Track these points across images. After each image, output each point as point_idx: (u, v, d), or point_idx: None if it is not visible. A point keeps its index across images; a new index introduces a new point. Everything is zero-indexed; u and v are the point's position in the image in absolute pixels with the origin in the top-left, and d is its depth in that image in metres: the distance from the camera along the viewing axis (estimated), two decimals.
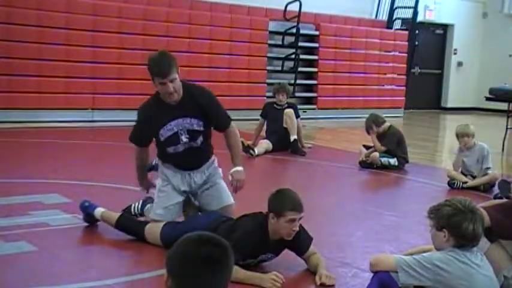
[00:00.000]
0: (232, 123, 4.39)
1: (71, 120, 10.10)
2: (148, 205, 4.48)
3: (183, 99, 4.17)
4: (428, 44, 17.03)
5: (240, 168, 4.34)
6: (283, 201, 3.65)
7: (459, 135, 6.66)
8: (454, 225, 2.92)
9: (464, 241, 2.92)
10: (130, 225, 4.30)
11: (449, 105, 17.62)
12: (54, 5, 10.26)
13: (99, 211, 4.44)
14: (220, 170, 4.46)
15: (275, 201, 3.68)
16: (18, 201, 5.11)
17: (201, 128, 4.22)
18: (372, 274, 3.17)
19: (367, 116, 7.99)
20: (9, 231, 4.32)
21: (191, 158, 4.26)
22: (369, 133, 7.75)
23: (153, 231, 4.14)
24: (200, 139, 4.24)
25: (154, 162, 4.66)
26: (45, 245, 4.09)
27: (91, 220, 4.50)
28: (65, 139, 8.62)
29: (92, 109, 10.52)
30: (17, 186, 5.62)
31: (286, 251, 3.85)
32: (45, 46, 10.10)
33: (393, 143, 7.63)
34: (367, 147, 7.86)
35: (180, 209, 4.33)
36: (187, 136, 4.18)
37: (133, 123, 4.33)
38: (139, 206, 4.55)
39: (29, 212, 4.78)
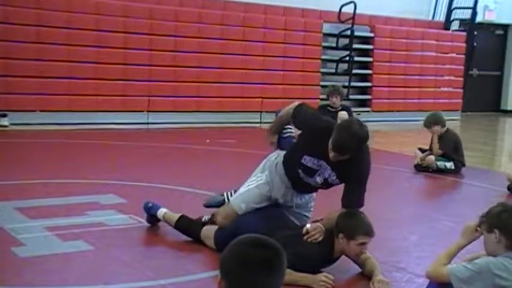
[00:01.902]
0: None
1: (126, 122, 10.29)
2: None
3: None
4: (487, 45, 16.62)
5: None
6: (356, 225, 3.66)
7: None
8: (503, 222, 2.84)
9: None
10: (189, 226, 4.33)
11: (509, 107, 17.15)
12: (111, 9, 10.49)
13: (161, 212, 4.49)
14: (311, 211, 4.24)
15: (347, 224, 3.68)
16: (75, 201, 5.24)
17: (333, 184, 3.93)
18: (427, 280, 3.12)
19: (422, 118, 7.85)
20: (67, 230, 4.43)
21: (307, 190, 4.09)
22: (428, 128, 7.56)
23: (208, 233, 4.16)
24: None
25: (224, 198, 4.49)
26: (101, 245, 4.17)
27: (153, 221, 4.56)
28: (121, 141, 8.78)
29: (148, 111, 10.69)
30: (74, 187, 5.76)
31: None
32: (103, 50, 10.34)
33: (450, 147, 7.47)
34: (422, 151, 7.72)
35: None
36: (322, 183, 3.90)
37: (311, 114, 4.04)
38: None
39: (86, 212, 4.89)
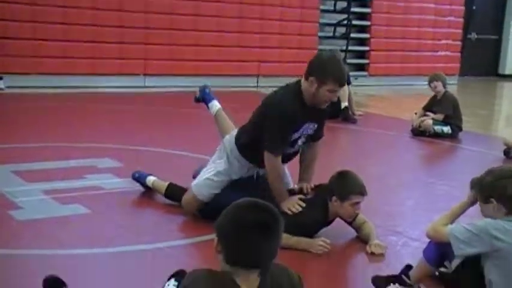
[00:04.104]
0: None
1: (123, 85, 10.23)
2: None
3: None
4: (486, 9, 16.46)
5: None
6: (349, 185, 3.65)
7: None
8: (499, 191, 2.84)
9: None
10: (178, 194, 4.32)
11: (507, 72, 17.08)
12: None
13: (150, 180, 4.47)
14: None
15: (340, 184, 3.68)
16: (72, 164, 5.24)
17: (313, 133, 3.93)
18: (423, 243, 3.14)
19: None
20: (64, 193, 4.44)
21: (283, 161, 3.91)
22: (429, 84, 7.61)
23: (189, 201, 4.08)
24: (305, 143, 3.95)
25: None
26: (98, 208, 4.19)
27: (147, 188, 4.54)
28: (118, 104, 8.75)
29: (144, 75, 10.62)
30: (71, 150, 5.75)
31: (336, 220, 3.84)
32: (99, 12, 10.21)
33: (449, 109, 7.48)
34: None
35: None
36: (303, 141, 3.89)
37: (271, 124, 3.71)
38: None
39: (83, 176, 4.90)
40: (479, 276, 2.88)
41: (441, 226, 2.95)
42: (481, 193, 2.92)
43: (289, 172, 4.17)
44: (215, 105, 4.48)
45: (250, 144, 3.88)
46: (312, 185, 3.90)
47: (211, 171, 4.04)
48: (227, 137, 4.12)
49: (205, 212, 3.96)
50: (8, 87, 9.30)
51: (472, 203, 3.02)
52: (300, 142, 3.89)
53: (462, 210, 3.03)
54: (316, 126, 3.90)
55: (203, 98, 4.58)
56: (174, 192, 4.28)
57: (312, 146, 4.03)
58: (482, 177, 2.94)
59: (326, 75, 3.61)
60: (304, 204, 3.74)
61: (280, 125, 3.69)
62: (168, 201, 4.35)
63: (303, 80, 3.74)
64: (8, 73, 9.43)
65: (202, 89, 4.60)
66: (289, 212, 3.68)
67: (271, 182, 3.82)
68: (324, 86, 3.64)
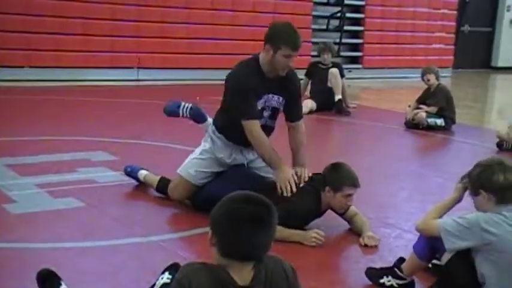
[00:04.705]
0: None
1: (116, 79, 10.21)
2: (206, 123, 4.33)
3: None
4: (479, 1, 16.49)
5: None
6: (342, 177, 3.67)
7: None
8: (486, 181, 2.85)
9: (503, 193, 2.83)
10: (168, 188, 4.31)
11: (500, 64, 17.12)
12: None
13: (141, 174, 4.47)
14: None
15: (333, 176, 3.69)
16: (66, 158, 5.23)
17: (281, 108, 3.99)
18: (415, 236, 3.15)
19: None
20: (58, 187, 4.43)
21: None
22: (422, 77, 7.62)
23: (176, 184, 4.13)
24: (274, 118, 4.03)
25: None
26: (92, 201, 4.18)
27: (140, 181, 4.53)
28: (111, 97, 8.73)
29: (137, 68, 10.60)
30: (64, 144, 5.74)
31: (328, 212, 3.85)
32: (91, 5, 10.18)
33: (443, 101, 7.49)
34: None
35: (211, 178, 4.12)
36: (269, 113, 3.96)
37: (233, 96, 3.87)
38: (188, 108, 4.42)
39: (77, 169, 4.89)
40: (471, 268, 2.89)
41: (431, 220, 2.96)
42: (471, 186, 2.93)
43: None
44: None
45: (227, 125, 3.99)
46: (310, 173, 3.91)
47: (196, 152, 4.15)
48: (209, 120, 4.26)
49: (197, 202, 3.98)
50: (0, 80, 9.26)
51: (460, 198, 3.04)
52: (265, 114, 3.94)
53: (451, 205, 3.04)
54: (281, 99, 3.95)
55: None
56: (166, 187, 4.28)
57: (293, 127, 4.05)
58: (471, 170, 2.95)
59: (280, 41, 3.73)
60: (294, 188, 3.75)
61: (242, 94, 3.81)
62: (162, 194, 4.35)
63: (261, 52, 3.85)
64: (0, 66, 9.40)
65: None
66: (279, 191, 3.72)
67: (259, 151, 3.88)
68: (279, 51, 3.74)
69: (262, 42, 3.86)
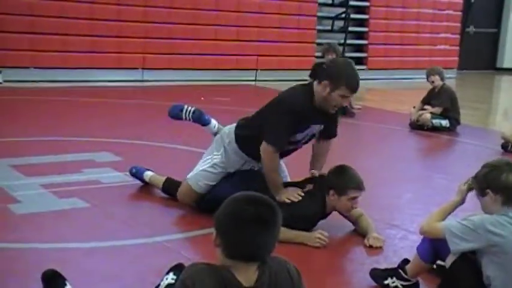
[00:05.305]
0: None
1: (121, 79, 10.22)
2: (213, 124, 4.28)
3: None
4: (484, 2, 16.44)
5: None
6: (346, 180, 3.66)
7: None
8: (492, 181, 2.84)
9: (510, 193, 2.82)
10: (175, 188, 4.31)
11: (505, 65, 17.07)
12: None
13: (147, 175, 4.48)
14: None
15: (337, 179, 3.68)
16: (71, 158, 5.24)
17: (318, 133, 3.96)
18: (420, 237, 3.14)
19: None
20: (63, 187, 4.44)
21: (281, 156, 3.92)
22: (427, 78, 7.62)
23: (185, 193, 4.11)
24: (308, 142, 3.99)
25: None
26: (97, 202, 4.19)
27: (145, 182, 4.53)
28: (116, 98, 8.74)
29: (143, 69, 10.61)
30: (69, 144, 5.75)
31: (333, 213, 3.85)
32: (97, 6, 10.20)
33: (448, 102, 7.48)
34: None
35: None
36: (305, 141, 3.94)
37: (280, 115, 3.71)
38: (191, 112, 4.36)
39: (82, 170, 4.89)
40: (475, 271, 2.88)
41: (435, 222, 2.95)
42: (478, 187, 2.92)
43: (288, 169, 4.17)
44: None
45: (251, 137, 3.86)
46: (317, 174, 3.91)
47: (207, 163, 4.05)
48: (225, 129, 4.11)
49: (203, 204, 3.97)
50: (6, 81, 9.29)
51: (463, 200, 3.03)
52: (302, 141, 3.90)
53: (454, 208, 3.04)
54: (322, 126, 3.91)
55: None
56: (172, 187, 4.27)
57: (324, 142, 4.05)
58: (478, 172, 2.94)
59: (341, 81, 3.65)
60: (302, 194, 3.75)
61: (289, 120, 3.71)
62: (167, 195, 4.35)
63: (315, 83, 3.77)
64: (5, 67, 9.42)
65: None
66: (287, 201, 3.69)
67: (267, 173, 3.82)
68: (337, 91, 3.67)
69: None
